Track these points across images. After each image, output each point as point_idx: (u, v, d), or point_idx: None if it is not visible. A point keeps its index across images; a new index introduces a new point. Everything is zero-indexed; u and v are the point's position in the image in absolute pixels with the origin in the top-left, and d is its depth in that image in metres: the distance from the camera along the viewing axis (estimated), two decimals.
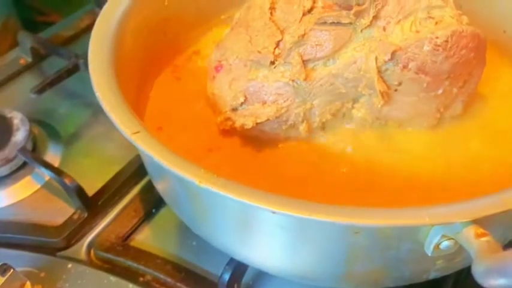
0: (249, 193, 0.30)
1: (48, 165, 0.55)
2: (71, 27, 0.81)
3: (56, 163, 0.61)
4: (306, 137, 0.48)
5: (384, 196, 0.42)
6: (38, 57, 0.74)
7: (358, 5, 0.42)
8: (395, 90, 0.44)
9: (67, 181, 0.53)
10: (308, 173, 0.46)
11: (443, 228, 0.29)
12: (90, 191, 0.57)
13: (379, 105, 0.44)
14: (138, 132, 0.34)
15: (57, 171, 0.54)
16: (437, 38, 0.41)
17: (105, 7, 0.46)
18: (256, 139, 0.48)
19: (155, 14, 0.53)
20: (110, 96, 0.37)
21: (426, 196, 0.41)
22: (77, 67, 0.66)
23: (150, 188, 0.56)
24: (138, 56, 0.51)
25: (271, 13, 0.48)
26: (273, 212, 0.29)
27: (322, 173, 0.46)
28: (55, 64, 0.72)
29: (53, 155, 0.63)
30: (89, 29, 0.79)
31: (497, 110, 0.51)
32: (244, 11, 0.52)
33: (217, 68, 0.50)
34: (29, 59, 0.75)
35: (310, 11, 0.44)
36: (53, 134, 0.65)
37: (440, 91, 0.45)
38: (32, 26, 0.99)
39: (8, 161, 0.57)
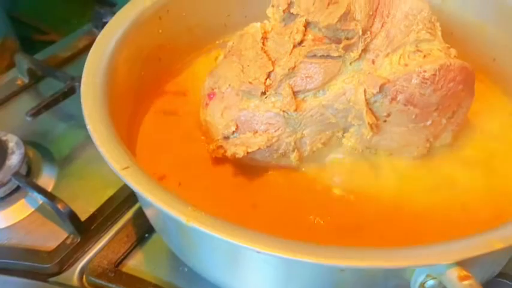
0: (235, 232, 0.30)
1: (41, 190, 0.55)
2: (68, 47, 0.81)
3: (50, 185, 0.62)
4: (297, 165, 0.48)
5: (371, 229, 0.42)
6: (35, 78, 0.75)
7: (347, 39, 0.42)
8: (385, 121, 0.45)
9: (60, 206, 0.53)
10: (298, 202, 0.46)
11: (427, 269, 0.30)
12: (84, 214, 0.57)
13: (368, 137, 0.44)
14: (127, 167, 0.34)
15: (50, 196, 0.54)
16: (425, 71, 0.42)
17: (99, 37, 0.47)
18: (247, 167, 0.48)
19: (150, 41, 0.54)
20: (101, 129, 0.37)
21: (413, 231, 0.41)
22: (73, 90, 0.67)
23: (142, 212, 0.56)
24: (132, 83, 0.51)
25: (263, 43, 0.48)
26: (258, 252, 0.29)
27: (312, 202, 0.46)
28: (52, 85, 0.72)
29: (47, 177, 0.63)
30: (86, 49, 0.80)
31: (486, 137, 0.52)
32: (237, 39, 0.52)
33: (210, 96, 0.51)
34: (26, 80, 0.75)
35: (300, 43, 0.45)
36: (48, 156, 0.65)
37: (429, 122, 0.45)
38: (30, 44, 1.00)
39: (2, 184, 0.57)
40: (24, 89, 0.74)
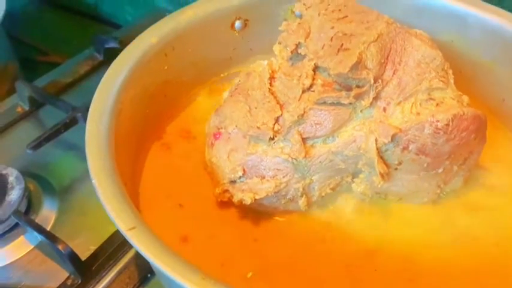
0: None
1: (41, 230, 0.54)
2: (69, 73, 0.80)
3: (51, 220, 0.61)
4: (305, 210, 0.47)
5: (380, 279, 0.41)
6: (36, 106, 0.74)
7: (358, 87, 0.41)
8: (396, 169, 0.44)
9: (60, 247, 0.52)
10: (306, 248, 0.45)
11: None
12: (85, 252, 0.55)
13: (379, 185, 0.43)
14: (134, 227, 0.33)
15: (50, 236, 0.53)
16: (438, 121, 0.41)
17: (104, 78, 0.46)
18: (254, 211, 0.47)
19: (155, 79, 0.53)
20: (107, 184, 0.36)
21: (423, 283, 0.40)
22: (74, 120, 0.66)
23: None
24: (137, 123, 0.50)
25: (270, 83, 0.48)
26: None
27: (321, 249, 0.45)
28: (53, 111, 0.72)
29: (48, 211, 0.62)
30: (87, 75, 0.81)
31: (497, 180, 0.51)
32: (243, 78, 0.52)
33: (216, 136, 0.50)
34: (26, 107, 0.74)
35: (309, 87, 0.44)
36: (48, 188, 0.64)
37: (440, 170, 0.44)
38: (32, 65, 1.00)
39: (1, 222, 0.56)
40: (24, 116, 0.74)
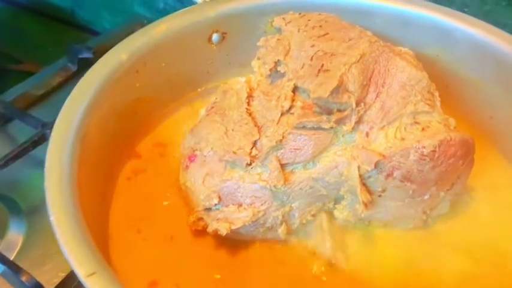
0: None
1: (3, 260, 0.50)
2: (42, 85, 0.76)
3: (18, 244, 0.57)
4: (285, 239, 0.44)
5: None
6: (4, 120, 0.70)
7: (339, 111, 0.39)
8: (379, 196, 0.42)
9: (23, 278, 0.48)
10: (287, 279, 0.43)
11: None
12: (53, 279, 0.52)
13: (362, 215, 0.41)
14: (93, 273, 0.30)
15: (13, 267, 0.49)
16: (424, 147, 0.38)
17: (67, 101, 0.43)
18: (230, 240, 0.44)
19: (126, 97, 0.50)
20: (67, 222, 0.33)
21: None
22: (44, 137, 0.62)
23: None
24: (106, 144, 0.47)
25: (248, 103, 0.45)
26: None
27: (302, 279, 0.43)
28: (22, 127, 0.68)
29: (14, 234, 0.58)
30: (60, 87, 0.77)
31: (485, 203, 0.49)
32: (220, 95, 0.49)
33: (191, 158, 0.47)
34: None
35: (289, 109, 0.41)
36: (15, 209, 0.60)
37: (426, 196, 0.42)
38: (4, 74, 0.96)
39: None
40: None
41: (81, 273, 0.30)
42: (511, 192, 0.49)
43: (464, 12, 0.62)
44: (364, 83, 0.39)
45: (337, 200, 0.44)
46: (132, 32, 0.52)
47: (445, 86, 0.56)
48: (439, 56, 0.54)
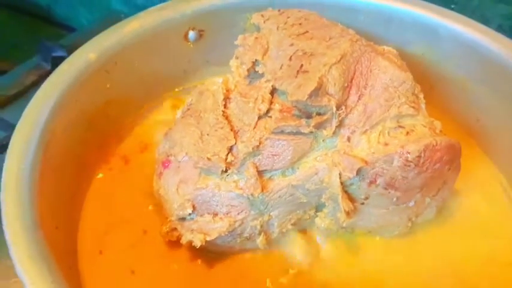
0: None
1: None
2: (14, 84, 0.74)
3: None
4: (264, 249, 0.42)
5: None
6: None
7: (319, 114, 0.37)
8: (362, 203, 0.39)
9: None
10: None
11: None
12: None
13: (344, 224, 0.38)
14: None
15: None
16: (408, 153, 0.36)
17: (28, 107, 0.40)
18: (206, 251, 0.42)
19: (95, 99, 0.47)
20: (23, 239, 0.30)
21: None
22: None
23: None
24: (74, 150, 0.45)
25: (225, 105, 0.43)
26: None
27: None
28: None
29: None
30: (32, 86, 0.74)
31: (471, 206, 0.47)
32: (196, 97, 0.46)
33: (165, 164, 0.44)
34: None
35: (266, 113, 0.39)
36: None
37: (412, 203, 0.40)
38: None
39: None
40: None
41: None
42: (491, 188, 0.47)
43: (451, 8, 0.60)
44: (345, 84, 0.37)
45: (318, 208, 0.42)
46: None
47: (430, 87, 0.54)
48: (424, 55, 0.53)
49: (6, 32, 1.02)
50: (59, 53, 0.74)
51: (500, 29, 0.58)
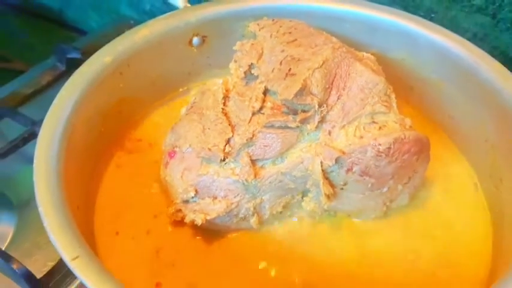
0: None
1: None
2: (31, 84, 0.79)
3: (8, 235, 0.60)
4: (257, 228, 0.48)
5: None
6: None
7: (304, 111, 0.43)
8: (342, 188, 0.45)
9: (14, 266, 0.51)
10: (259, 268, 0.47)
11: None
12: (42, 269, 0.55)
13: (325, 206, 0.45)
14: (77, 257, 0.33)
15: (4, 256, 0.53)
16: (380, 144, 0.42)
17: (54, 103, 0.46)
18: (207, 230, 0.48)
19: (110, 97, 0.53)
20: (53, 213, 0.36)
21: None
22: (33, 135, 0.65)
23: None
24: (91, 141, 0.51)
25: (224, 103, 0.49)
26: None
27: (272, 262, 0.47)
28: (12, 124, 0.71)
29: (5, 227, 0.61)
30: (48, 86, 0.80)
31: (441, 194, 0.53)
32: (199, 96, 0.52)
33: (171, 154, 0.51)
34: None
35: (260, 109, 0.45)
36: (6, 203, 0.64)
37: (385, 189, 0.46)
38: None
39: None
40: None
41: (66, 257, 0.34)
42: (462, 180, 0.53)
43: (431, 17, 0.67)
44: (327, 86, 0.43)
45: (304, 193, 0.48)
46: (119, 32, 0.55)
47: (410, 88, 0.60)
48: (404, 60, 0.58)
49: (21, 34, 1.08)
50: (73, 55, 0.80)
51: (475, 37, 0.64)
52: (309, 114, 0.43)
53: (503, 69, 0.50)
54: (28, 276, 0.52)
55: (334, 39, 0.48)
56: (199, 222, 0.45)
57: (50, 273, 0.55)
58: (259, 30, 0.51)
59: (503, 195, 0.48)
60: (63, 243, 0.34)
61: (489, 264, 0.46)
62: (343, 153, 0.43)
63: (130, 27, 0.57)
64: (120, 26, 0.90)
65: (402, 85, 0.59)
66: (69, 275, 0.55)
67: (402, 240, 0.49)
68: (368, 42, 0.59)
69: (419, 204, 0.51)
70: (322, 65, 0.43)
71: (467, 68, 0.53)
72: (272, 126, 0.44)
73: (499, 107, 0.49)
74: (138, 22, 0.58)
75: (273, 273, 0.46)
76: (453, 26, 0.65)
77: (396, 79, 0.56)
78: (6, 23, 1.10)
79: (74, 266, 0.33)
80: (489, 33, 0.63)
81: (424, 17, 0.64)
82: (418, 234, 0.49)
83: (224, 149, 0.45)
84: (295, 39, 0.47)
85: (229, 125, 0.46)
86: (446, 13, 0.65)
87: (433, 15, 0.66)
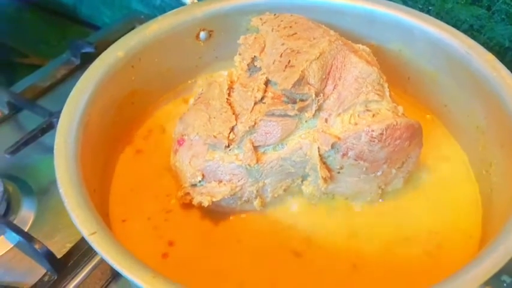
0: None
1: (18, 230, 0.58)
2: (47, 77, 0.83)
3: (29, 220, 0.64)
4: (260, 210, 0.52)
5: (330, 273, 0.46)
6: (14, 110, 0.77)
7: (302, 100, 0.46)
8: (338, 172, 0.49)
9: (36, 246, 0.56)
10: (261, 245, 0.50)
11: None
12: (61, 250, 0.60)
13: (323, 188, 0.48)
14: (94, 232, 0.37)
15: (27, 237, 0.57)
16: (373, 131, 0.45)
17: (71, 95, 0.50)
18: (213, 212, 0.52)
19: (123, 89, 0.57)
20: (72, 193, 0.40)
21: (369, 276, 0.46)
22: (51, 125, 0.69)
23: None
24: (106, 130, 0.54)
25: (229, 94, 0.52)
26: None
27: (274, 242, 0.50)
28: (31, 116, 0.75)
29: (27, 212, 0.66)
30: (64, 80, 0.84)
31: (435, 178, 0.56)
32: (206, 87, 0.56)
33: (180, 142, 0.54)
34: (6, 111, 0.77)
35: (261, 99, 0.48)
36: (27, 190, 0.68)
37: (379, 173, 0.49)
38: (11, 68, 1.03)
39: None
40: (3, 121, 0.77)
41: (84, 232, 0.37)
42: (455, 164, 0.56)
43: (429, 9, 0.69)
44: (323, 76, 0.46)
45: (304, 177, 0.51)
46: (131, 27, 0.59)
47: (407, 78, 0.63)
48: (401, 51, 0.61)
49: (36, 30, 1.12)
50: (87, 50, 0.84)
51: (471, 28, 0.66)
52: (306, 103, 0.46)
53: (493, 59, 0.52)
54: (49, 256, 0.56)
55: (331, 32, 0.51)
56: (206, 204, 0.48)
57: (69, 254, 0.59)
58: (262, 24, 0.54)
59: (492, 179, 0.51)
60: (81, 220, 0.38)
61: (478, 242, 0.49)
62: (339, 139, 0.46)
63: (141, 22, 0.60)
64: (131, 20, 0.93)
65: (399, 75, 0.62)
66: (87, 255, 0.60)
67: (395, 220, 0.52)
68: (367, 34, 0.61)
69: (413, 187, 0.54)
70: (319, 56, 0.46)
71: (460, 58, 0.55)
72: (273, 115, 0.47)
73: (489, 95, 0.51)
74: (148, 17, 0.61)
75: (273, 249, 0.50)
76: (450, 18, 0.67)
77: (394, 69, 0.59)
78: (23, 19, 1.14)
79: (92, 240, 0.37)
80: (485, 24, 0.65)
81: (422, 9, 0.66)
82: (411, 215, 0.52)
83: (228, 136, 0.48)
84: (295, 33, 0.50)
85: (233, 114, 0.49)
86: (443, 5, 0.67)
87: (430, 8, 0.68)
